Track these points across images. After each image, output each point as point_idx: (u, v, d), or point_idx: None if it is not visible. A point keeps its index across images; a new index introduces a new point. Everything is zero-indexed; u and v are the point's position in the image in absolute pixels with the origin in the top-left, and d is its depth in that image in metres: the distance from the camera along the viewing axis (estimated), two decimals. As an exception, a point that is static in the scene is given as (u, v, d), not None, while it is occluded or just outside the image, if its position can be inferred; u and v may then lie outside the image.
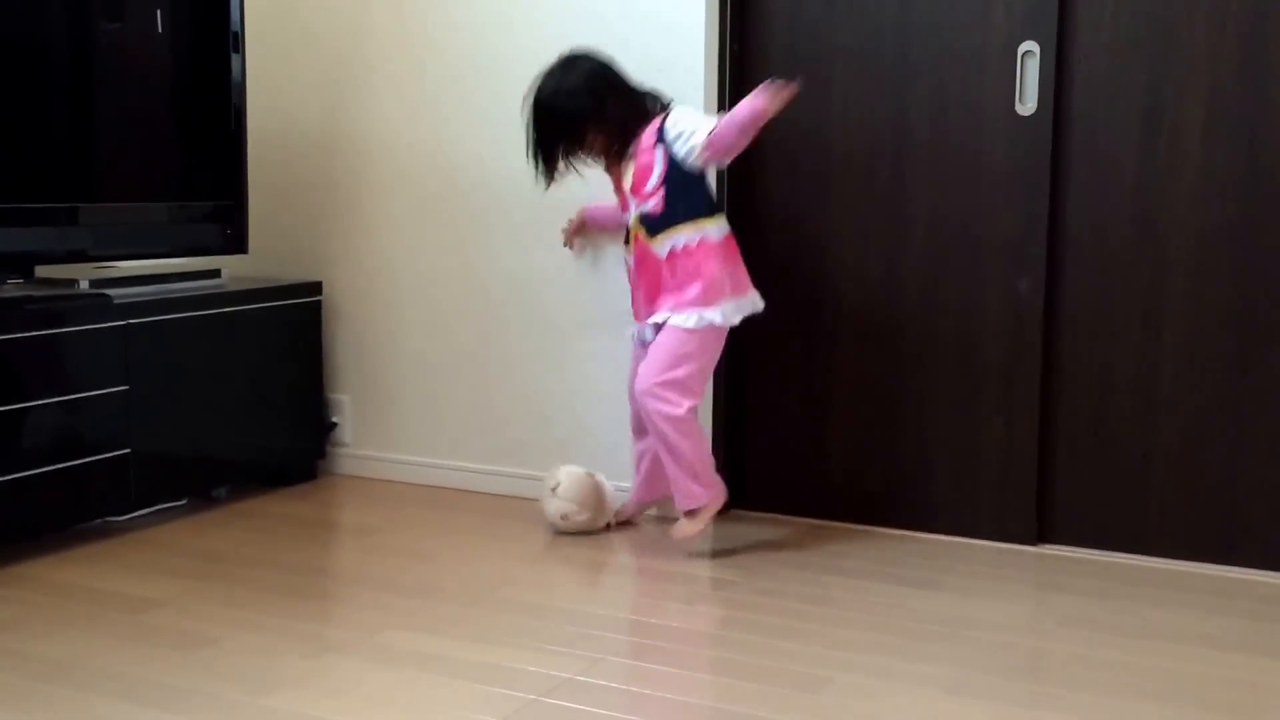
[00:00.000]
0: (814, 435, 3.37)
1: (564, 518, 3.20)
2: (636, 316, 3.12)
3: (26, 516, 2.93)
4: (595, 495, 3.23)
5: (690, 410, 2.98)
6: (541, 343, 3.54)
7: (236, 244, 3.55)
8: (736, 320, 3.03)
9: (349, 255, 3.80)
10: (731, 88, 3.33)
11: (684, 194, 2.98)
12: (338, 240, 3.81)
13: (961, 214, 3.16)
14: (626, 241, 3.11)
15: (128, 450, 3.14)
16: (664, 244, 2.98)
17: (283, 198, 3.87)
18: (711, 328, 2.98)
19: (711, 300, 2.96)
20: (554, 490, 3.22)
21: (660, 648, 2.48)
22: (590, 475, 3.24)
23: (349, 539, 3.32)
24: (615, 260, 3.42)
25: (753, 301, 3.08)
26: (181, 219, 3.47)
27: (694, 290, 2.96)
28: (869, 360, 3.29)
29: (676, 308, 2.98)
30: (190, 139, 3.49)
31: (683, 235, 2.97)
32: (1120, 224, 3.02)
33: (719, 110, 3.32)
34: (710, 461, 3.07)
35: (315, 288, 3.73)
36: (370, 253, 3.77)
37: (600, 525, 3.24)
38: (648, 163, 3.00)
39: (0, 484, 2.85)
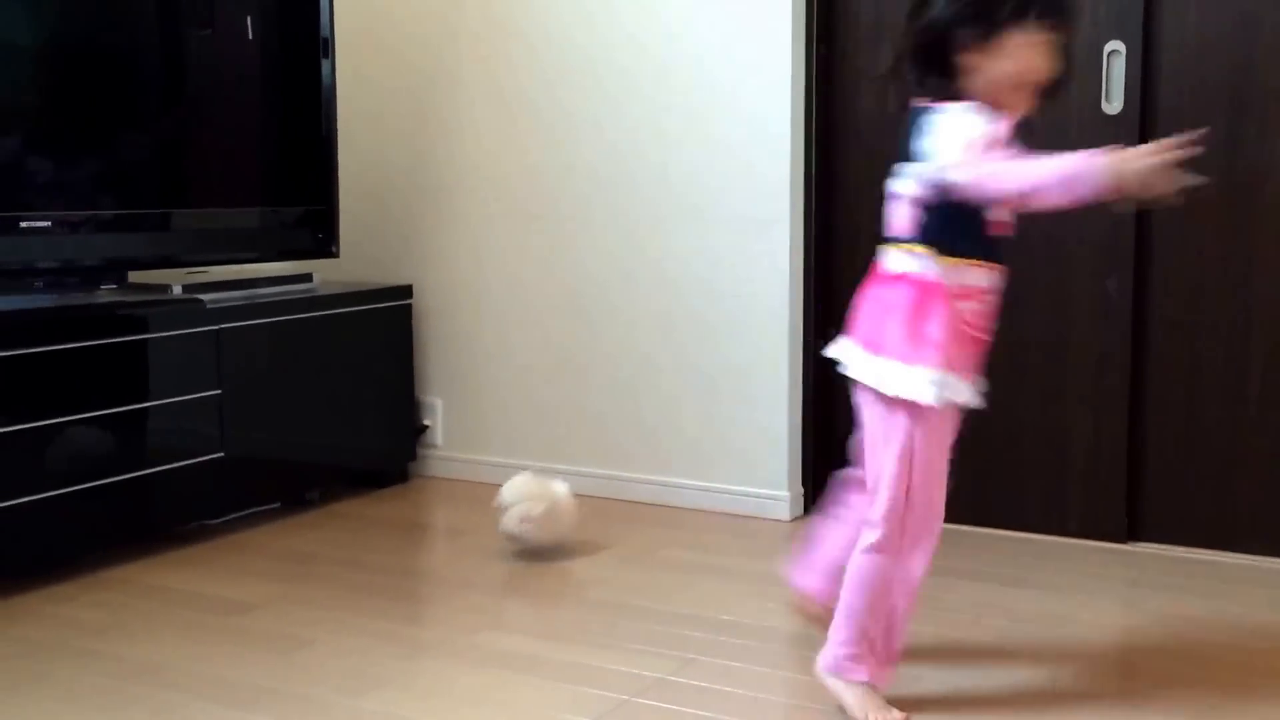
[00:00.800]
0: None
1: (525, 519, 2.98)
2: (961, 367, 2.10)
3: (122, 520, 2.98)
4: (540, 486, 3.02)
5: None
6: (632, 343, 3.53)
7: (327, 248, 3.58)
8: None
9: (439, 258, 3.82)
10: (819, 93, 3.30)
11: None
12: (428, 243, 3.83)
13: (1050, 214, 3.09)
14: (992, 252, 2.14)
15: (221, 454, 3.18)
16: None
17: (373, 201, 3.90)
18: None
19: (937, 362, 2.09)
20: (500, 505, 3.02)
21: (751, 648, 2.45)
22: (527, 473, 3.08)
23: (440, 541, 3.33)
24: (700, 260, 3.39)
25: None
26: (273, 223, 3.51)
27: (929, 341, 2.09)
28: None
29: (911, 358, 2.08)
30: (281, 144, 3.52)
31: None
32: (1208, 220, 2.95)
33: (807, 114, 3.29)
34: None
35: (406, 291, 3.75)
36: (460, 255, 3.78)
37: (566, 527, 3.03)
38: None
39: (96, 488, 2.90)
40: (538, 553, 2.99)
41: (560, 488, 3.03)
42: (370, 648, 2.47)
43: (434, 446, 3.88)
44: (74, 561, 2.93)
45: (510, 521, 2.97)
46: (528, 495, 2.99)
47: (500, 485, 3.07)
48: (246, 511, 3.38)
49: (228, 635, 2.55)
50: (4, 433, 2.70)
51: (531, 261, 3.66)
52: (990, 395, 3.18)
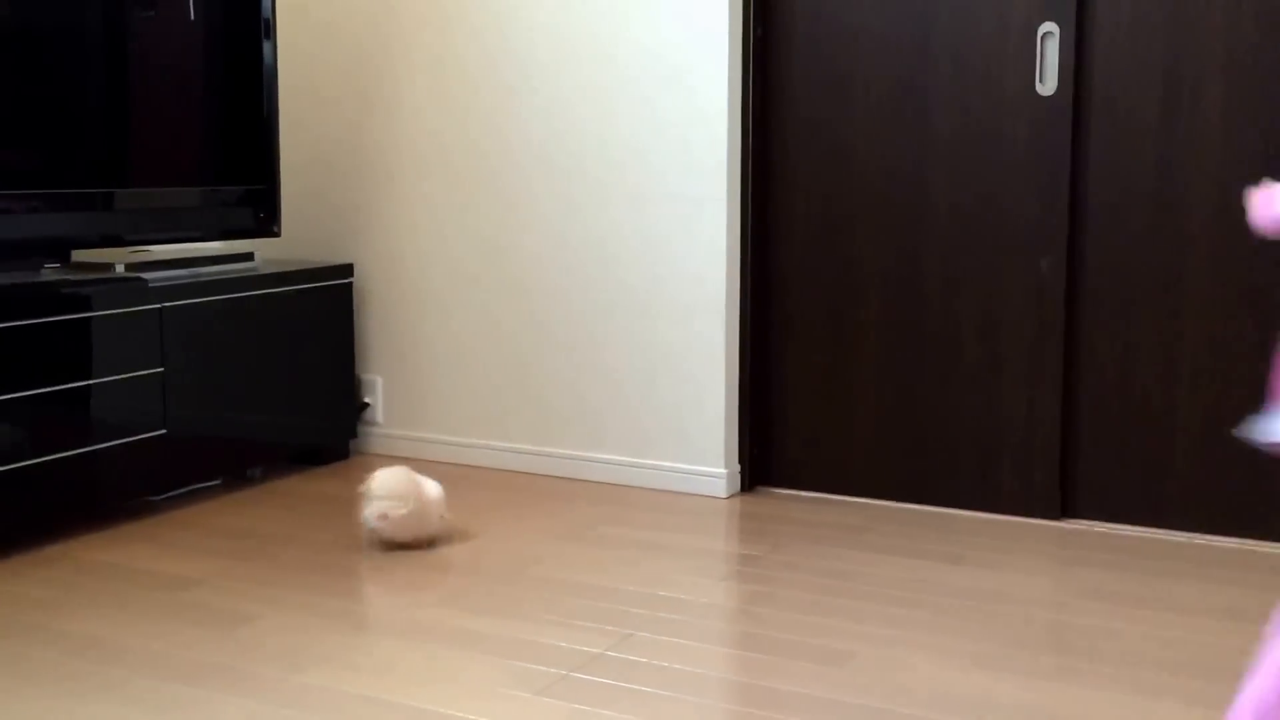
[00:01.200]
0: (839, 412, 3.39)
1: (382, 516, 2.93)
2: None
3: (66, 497, 3.00)
4: (411, 486, 2.96)
5: None
6: (571, 322, 3.57)
7: (269, 227, 3.60)
8: None
9: (379, 237, 3.84)
10: (756, 73, 3.35)
11: None
12: (368, 222, 3.86)
13: (983, 194, 3.17)
14: None
15: (164, 431, 3.20)
16: None
17: (314, 180, 3.91)
18: None
19: None
20: (367, 493, 2.96)
21: (689, 623, 2.52)
22: (404, 469, 2.99)
23: (381, 517, 3.36)
24: (638, 239, 3.45)
25: None
26: (214, 203, 3.52)
27: None
28: (893, 338, 3.31)
29: None
30: (223, 124, 3.53)
31: None
32: (1141, 202, 3.04)
33: (744, 94, 3.35)
34: None
35: (346, 270, 3.77)
36: (400, 234, 3.81)
37: (428, 529, 3.00)
38: None
39: (39, 465, 2.91)
40: (400, 545, 3.00)
41: (431, 489, 2.99)
42: (312, 624, 2.51)
43: (375, 424, 3.91)
44: (19, 538, 2.95)
45: (370, 515, 2.94)
46: (393, 493, 2.93)
47: (442, 461, 3.11)
48: (189, 488, 3.40)
49: (171, 611, 2.58)
50: (-55, 411, 2.71)
51: (472, 239, 3.69)
52: (925, 374, 3.28)
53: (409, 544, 2.98)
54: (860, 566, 2.85)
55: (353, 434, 3.87)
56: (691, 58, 3.32)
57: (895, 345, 3.31)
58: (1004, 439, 3.22)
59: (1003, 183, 3.15)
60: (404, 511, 2.94)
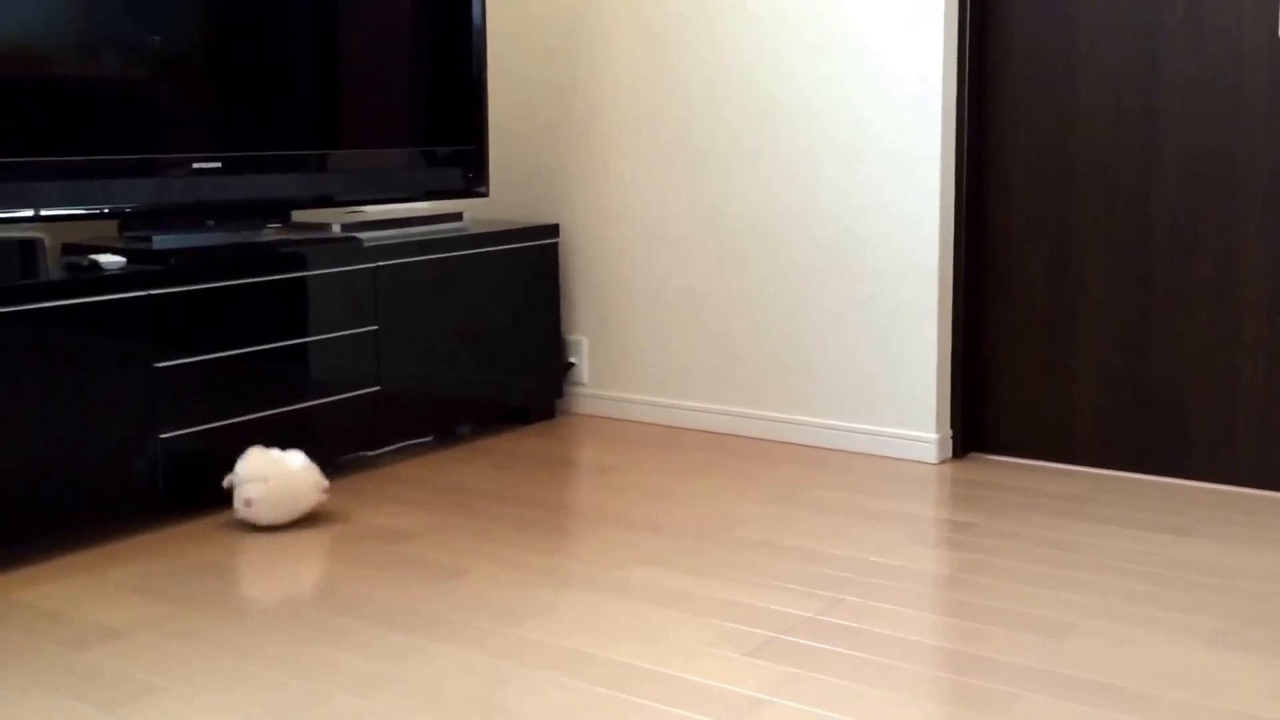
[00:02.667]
0: (1059, 376, 3.26)
1: (248, 503, 2.78)
2: None
3: (284, 448, 3.08)
4: (268, 464, 2.80)
5: None
6: (777, 282, 3.52)
7: (477, 187, 3.64)
8: None
9: (586, 197, 3.85)
10: (973, 22, 3.23)
11: None
12: (575, 182, 3.87)
13: (1218, 148, 3.00)
14: None
15: (378, 388, 3.27)
16: None
17: (522, 141, 3.94)
18: None
19: None
20: (231, 484, 2.82)
21: (900, 589, 2.46)
22: (259, 448, 2.83)
23: (587, 476, 3.38)
24: (849, 196, 3.37)
25: None
26: (424, 164, 3.57)
27: None
28: (1119, 299, 3.16)
29: None
30: (432, 85, 3.58)
31: None
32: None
33: (960, 45, 3.23)
34: None
35: (553, 230, 3.79)
36: (607, 194, 3.81)
37: (301, 504, 2.84)
38: None
39: (261, 419, 3.00)
40: (275, 526, 2.86)
41: (294, 462, 2.84)
42: (522, 579, 2.54)
43: (580, 384, 3.93)
44: (240, 489, 3.05)
45: (237, 504, 2.81)
46: (253, 475, 2.79)
47: (646, 422, 3.09)
48: (401, 444, 3.47)
49: (388, 562, 2.64)
50: (180, 364, 2.82)
51: (678, 199, 3.67)
52: (1155, 337, 3.13)
53: (284, 522, 2.84)
54: (1082, 537, 2.74)
55: (558, 394, 3.90)
56: (906, 8, 3.22)
57: (1121, 306, 3.16)
58: (1239, 406, 3.05)
59: (1240, 135, 2.97)
60: (260, 491, 2.78)
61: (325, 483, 2.87)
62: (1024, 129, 3.24)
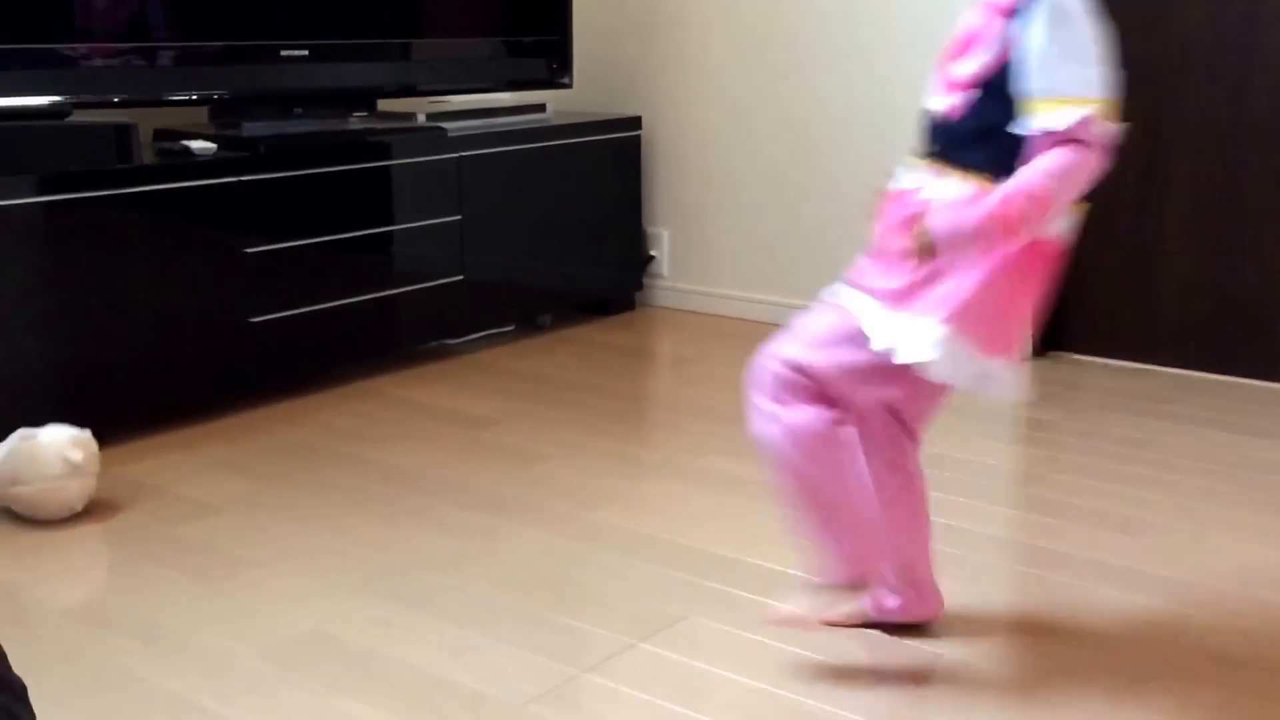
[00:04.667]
0: (1143, 275, 3.22)
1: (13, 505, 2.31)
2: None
3: (371, 337, 3.15)
4: (27, 452, 2.28)
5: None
6: (861, 176, 3.49)
7: (560, 78, 3.63)
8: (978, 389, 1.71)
9: (668, 90, 3.83)
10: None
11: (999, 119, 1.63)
12: (657, 74, 3.84)
13: (1324, 38, 2.91)
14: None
15: (461, 277, 3.31)
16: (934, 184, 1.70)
17: (605, 32, 3.91)
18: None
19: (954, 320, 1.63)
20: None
21: (977, 484, 2.47)
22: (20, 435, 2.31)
23: (665, 368, 3.42)
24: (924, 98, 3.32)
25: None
26: (508, 54, 3.57)
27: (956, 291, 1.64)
28: (1206, 196, 3.10)
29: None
30: (517, -26, 3.56)
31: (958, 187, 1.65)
32: None
33: None
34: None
35: (635, 122, 3.78)
36: (689, 86, 3.78)
37: (64, 493, 2.28)
38: (979, 29, 1.73)
39: (347, 305, 3.06)
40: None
41: (43, 450, 2.28)
42: (601, 466, 2.58)
43: (660, 277, 3.95)
44: (330, 372, 3.12)
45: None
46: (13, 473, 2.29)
47: (725, 316, 3.07)
48: (483, 333, 3.52)
49: (470, 447, 2.70)
50: (269, 250, 2.87)
51: (760, 93, 3.64)
52: (1243, 234, 3.06)
53: (61, 511, 2.32)
54: (1163, 436, 2.72)
55: (639, 286, 3.92)
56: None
57: (1208, 204, 3.10)
58: (1328, 309, 2.99)
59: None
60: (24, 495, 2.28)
61: (73, 455, 2.28)
62: (1119, 28, 3.16)
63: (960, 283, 1.62)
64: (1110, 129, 1.59)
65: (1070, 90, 1.58)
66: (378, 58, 3.27)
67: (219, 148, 2.87)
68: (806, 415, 1.73)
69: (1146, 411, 2.88)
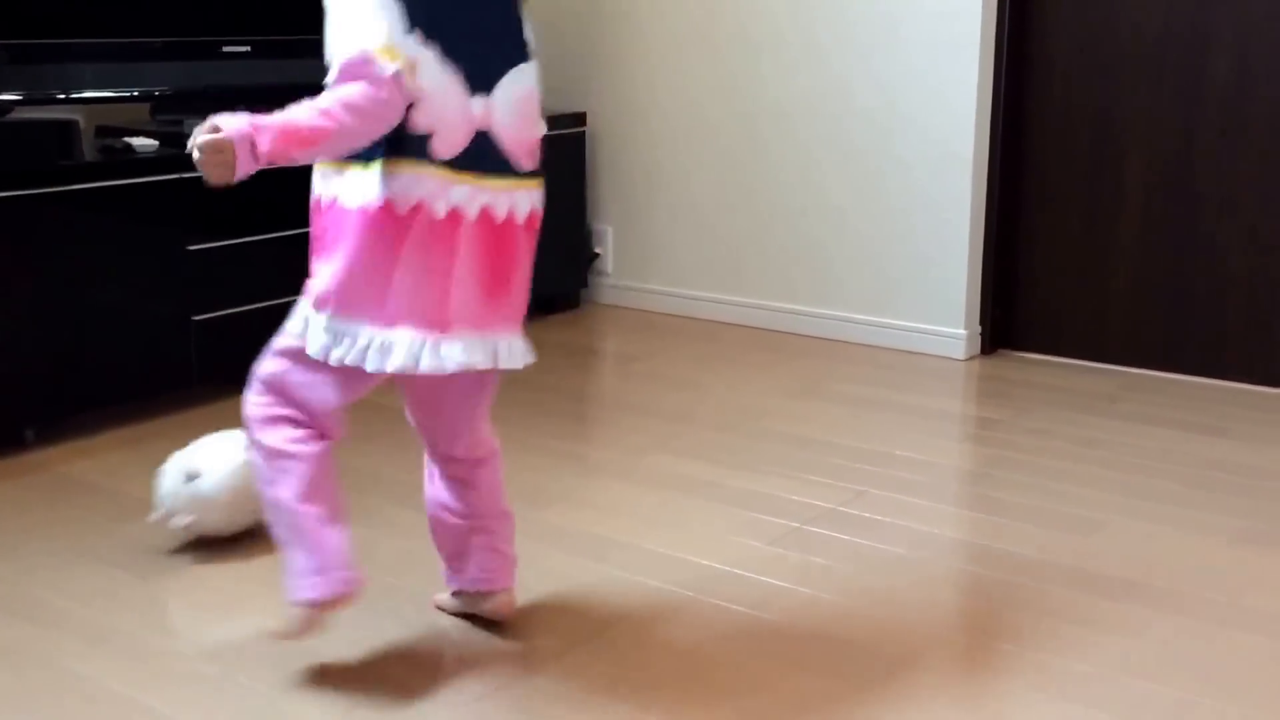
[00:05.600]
0: (1093, 273, 3.23)
1: (187, 528, 2.15)
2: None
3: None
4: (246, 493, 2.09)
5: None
6: (806, 173, 3.48)
7: (506, 73, 3.59)
8: (374, 368, 1.65)
9: (613, 86, 3.80)
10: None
11: None
12: (602, 69, 3.81)
13: (1271, 48, 2.92)
14: None
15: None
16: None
17: (548, 28, 3.87)
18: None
19: (324, 304, 1.68)
20: (190, 479, 2.15)
21: (925, 483, 2.46)
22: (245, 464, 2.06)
23: (611, 366, 3.39)
24: (883, 87, 3.32)
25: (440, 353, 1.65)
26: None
27: (322, 275, 1.70)
28: (1156, 195, 3.11)
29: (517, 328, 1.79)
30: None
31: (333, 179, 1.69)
32: None
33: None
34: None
35: (580, 118, 3.75)
36: (635, 82, 3.76)
37: (243, 509, 2.16)
38: None
39: (290, 303, 3.00)
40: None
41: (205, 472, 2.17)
42: (547, 465, 2.55)
43: (604, 274, 3.92)
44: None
45: (176, 501, 2.16)
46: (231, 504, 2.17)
47: (670, 313, 3.05)
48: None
49: (410, 446, 2.65)
50: (212, 248, 2.82)
51: (708, 88, 3.62)
52: (1193, 233, 3.08)
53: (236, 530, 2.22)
54: (1111, 435, 2.73)
55: (583, 284, 3.89)
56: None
57: (1159, 203, 3.11)
58: (1276, 304, 3.01)
59: (1289, 28, 2.89)
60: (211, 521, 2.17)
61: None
62: (1068, 22, 3.17)
63: (325, 266, 1.67)
64: (389, 66, 1.54)
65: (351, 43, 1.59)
66: (320, 54, 3.21)
67: (161, 144, 2.81)
68: (277, 436, 1.73)
69: (1096, 410, 2.89)
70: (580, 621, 1.91)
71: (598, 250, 3.91)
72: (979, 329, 3.33)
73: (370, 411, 2.85)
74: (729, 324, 3.66)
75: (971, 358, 3.31)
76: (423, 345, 1.63)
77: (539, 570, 2.06)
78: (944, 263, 3.28)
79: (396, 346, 1.62)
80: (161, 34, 2.87)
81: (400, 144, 1.58)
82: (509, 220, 1.73)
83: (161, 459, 2.44)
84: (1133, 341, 3.19)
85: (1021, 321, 3.34)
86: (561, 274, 3.80)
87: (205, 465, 2.16)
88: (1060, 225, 3.25)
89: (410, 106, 1.57)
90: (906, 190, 3.31)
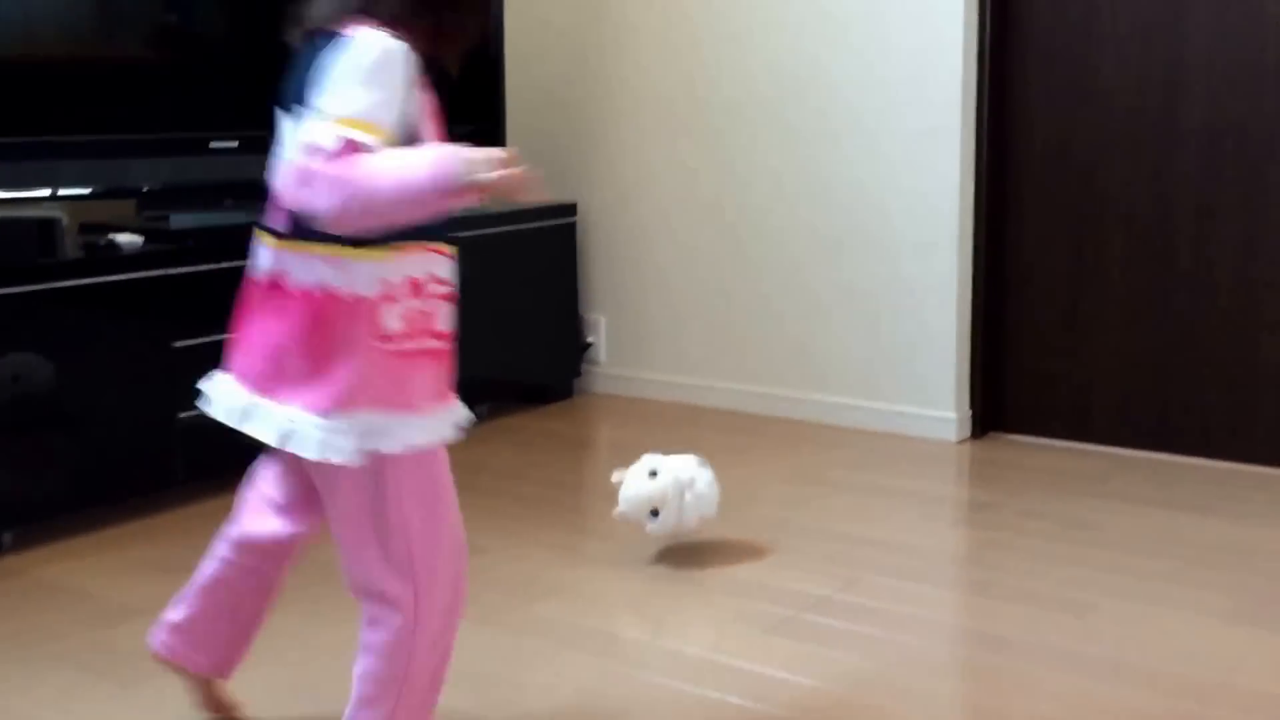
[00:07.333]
0: (1079, 355, 3.24)
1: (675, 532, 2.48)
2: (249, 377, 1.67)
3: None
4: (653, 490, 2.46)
5: None
6: (796, 261, 3.50)
7: (494, 167, 3.62)
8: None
9: (603, 176, 3.84)
10: (993, -6, 3.20)
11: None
12: (592, 160, 3.85)
13: (1241, 121, 2.96)
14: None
15: (396, 367, 3.26)
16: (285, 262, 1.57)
17: (538, 119, 3.92)
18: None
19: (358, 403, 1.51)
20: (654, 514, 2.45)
21: (919, 568, 2.45)
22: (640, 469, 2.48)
23: (605, 455, 3.38)
24: (867, 174, 3.35)
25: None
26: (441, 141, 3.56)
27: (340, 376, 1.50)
28: (1138, 276, 3.14)
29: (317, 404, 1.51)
30: (449, 64, 3.57)
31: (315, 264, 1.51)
32: None
33: (980, 18, 3.20)
34: None
35: (570, 209, 3.78)
36: (624, 173, 3.80)
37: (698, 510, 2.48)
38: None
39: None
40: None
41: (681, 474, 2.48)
42: (540, 557, 2.54)
43: (598, 363, 3.93)
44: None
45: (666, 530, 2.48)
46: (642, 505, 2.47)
47: (664, 401, 3.06)
48: (418, 424, 3.46)
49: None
50: (197, 344, 2.82)
51: (697, 177, 3.65)
52: (1175, 315, 3.10)
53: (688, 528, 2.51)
54: (1102, 516, 2.72)
55: (576, 373, 3.90)
56: (925, -15, 3.20)
57: (1142, 284, 3.14)
58: (1261, 384, 3.02)
59: (1264, 108, 2.93)
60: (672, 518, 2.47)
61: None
62: (1045, 106, 3.21)
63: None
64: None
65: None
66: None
67: (146, 240, 2.82)
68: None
69: (1085, 491, 2.89)
70: (576, 717, 1.88)
71: (590, 340, 3.92)
72: (969, 412, 3.33)
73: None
74: (722, 410, 3.66)
75: (963, 441, 3.31)
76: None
77: (532, 665, 2.04)
78: (933, 346, 3.30)
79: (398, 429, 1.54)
80: (149, 130, 2.89)
81: None
82: (273, 281, 1.58)
83: (142, 561, 2.42)
84: (1120, 422, 3.20)
85: (1012, 404, 3.35)
86: (554, 364, 3.81)
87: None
88: (1045, 307, 3.27)
89: None
90: (893, 276, 3.33)
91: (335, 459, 1.48)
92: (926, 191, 3.25)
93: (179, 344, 2.79)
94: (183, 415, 2.80)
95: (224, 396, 1.66)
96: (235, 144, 3.02)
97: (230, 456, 2.90)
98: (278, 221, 1.55)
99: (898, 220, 3.31)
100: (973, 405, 3.34)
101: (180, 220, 2.96)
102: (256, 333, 1.60)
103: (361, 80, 1.46)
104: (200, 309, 2.83)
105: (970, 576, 2.44)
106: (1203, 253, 3.05)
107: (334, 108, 1.44)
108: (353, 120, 1.43)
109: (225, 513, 1.80)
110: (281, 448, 1.53)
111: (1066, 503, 2.80)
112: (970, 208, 3.26)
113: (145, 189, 2.96)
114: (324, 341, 1.50)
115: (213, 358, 2.85)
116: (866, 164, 3.34)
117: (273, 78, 1.71)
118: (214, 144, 2.99)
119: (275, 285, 1.55)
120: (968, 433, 3.34)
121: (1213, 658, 2.03)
